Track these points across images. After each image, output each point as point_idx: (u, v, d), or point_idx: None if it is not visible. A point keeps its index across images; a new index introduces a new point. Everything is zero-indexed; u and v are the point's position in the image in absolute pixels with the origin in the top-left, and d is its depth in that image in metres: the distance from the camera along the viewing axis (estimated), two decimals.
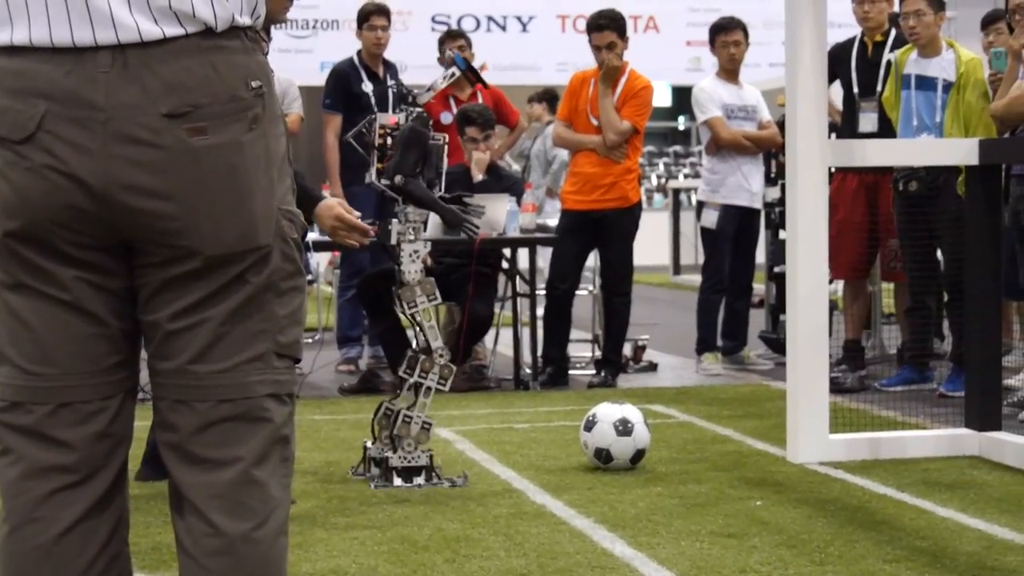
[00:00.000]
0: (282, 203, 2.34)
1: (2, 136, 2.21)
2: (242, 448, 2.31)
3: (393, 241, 5.71)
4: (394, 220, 5.72)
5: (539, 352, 8.61)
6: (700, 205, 9.46)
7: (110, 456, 2.34)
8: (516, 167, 12.14)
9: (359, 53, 9.45)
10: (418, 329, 5.73)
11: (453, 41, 9.79)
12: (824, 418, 6.06)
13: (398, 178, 5.57)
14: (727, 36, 9.36)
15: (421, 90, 5.87)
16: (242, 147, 2.25)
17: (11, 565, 2.31)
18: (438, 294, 5.73)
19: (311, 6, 16.24)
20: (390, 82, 9.28)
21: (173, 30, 2.19)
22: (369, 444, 5.79)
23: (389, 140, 5.69)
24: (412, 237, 5.70)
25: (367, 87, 9.29)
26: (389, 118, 5.75)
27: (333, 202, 5.56)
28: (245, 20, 2.27)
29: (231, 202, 2.25)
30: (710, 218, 9.29)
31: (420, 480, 5.61)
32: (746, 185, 9.28)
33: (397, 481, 5.59)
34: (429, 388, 5.68)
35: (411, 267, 5.70)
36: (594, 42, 8.64)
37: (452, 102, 9.41)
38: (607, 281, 8.90)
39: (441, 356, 5.70)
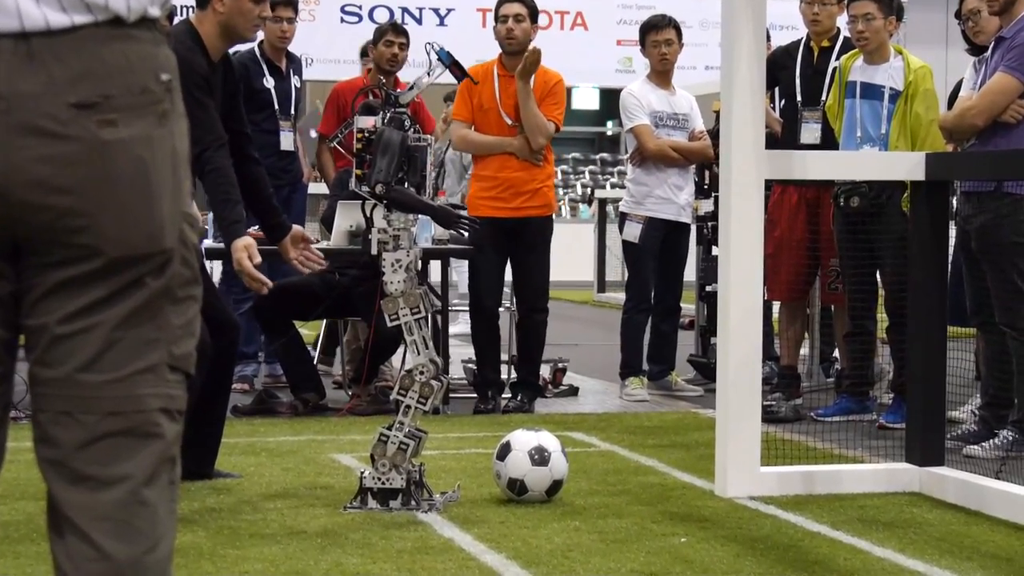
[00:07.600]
0: (183, 205, 2.34)
1: None
2: (130, 465, 2.29)
3: (374, 251, 5.80)
4: (374, 229, 5.80)
5: (449, 372, 8.60)
6: (623, 217, 9.50)
7: None
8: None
9: (260, 45, 9.40)
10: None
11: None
12: (755, 449, 6.11)
13: (379, 187, 5.67)
14: (657, 35, 9.40)
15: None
16: (152, 142, 2.26)
17: None
18: (424, 307, 5.82)
19: None
20: (294, 78, 9.30)
21: (82, 18, 2.19)
22: (366, 473, 5.81)
23: (366, 144, 5.79)
24: (393, 246, 5.78)
25: (268, 82, 9.28)
26: (367, 121, 5.82)
27: (298, 231, 6.25)
28: (155, 11, 2.28)
29: (139, 200, 2.25)
30: (633, 231, 9.33)
31: (396, 504, 5.70)
32: (673, 197, 9.33)
33: (372, 503, 5.70)
34: (408, 407, 5.77)
35: (394, 277, 5.78)
36: (502, 12, 8.55)
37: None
38: (525, 295, 8.87)
39: (421, 373, 5.77)
